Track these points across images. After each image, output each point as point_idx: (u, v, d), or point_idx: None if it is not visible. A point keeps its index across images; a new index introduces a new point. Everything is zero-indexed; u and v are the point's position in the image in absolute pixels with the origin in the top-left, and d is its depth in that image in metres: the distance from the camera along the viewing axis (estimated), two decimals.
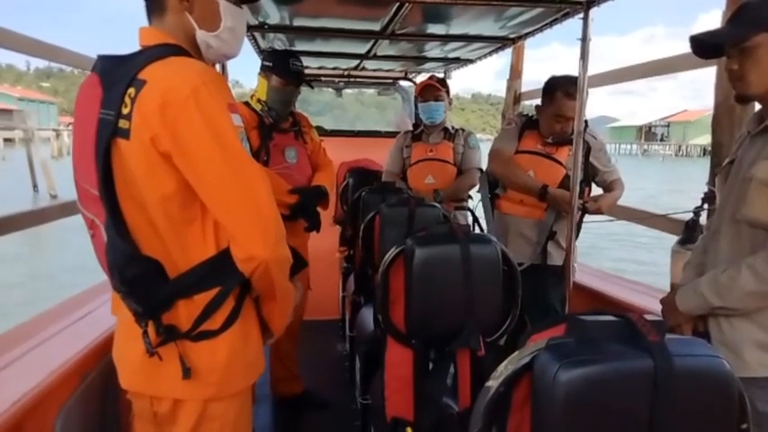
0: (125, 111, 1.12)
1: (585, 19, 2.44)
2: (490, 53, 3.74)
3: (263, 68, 2.68)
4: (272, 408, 3.11)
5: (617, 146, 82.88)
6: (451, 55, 3.87)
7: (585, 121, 2.77)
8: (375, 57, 3.94)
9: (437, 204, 2.37)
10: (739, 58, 1.53)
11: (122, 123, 1.12)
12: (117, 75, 1.15)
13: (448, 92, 3.43)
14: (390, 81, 5.09)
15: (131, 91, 1.12)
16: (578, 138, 2.53)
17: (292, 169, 2.73)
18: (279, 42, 3.66)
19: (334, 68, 4.60)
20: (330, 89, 5.90)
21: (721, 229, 1.66)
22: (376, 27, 3.05)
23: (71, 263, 9.06)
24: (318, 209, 2.79)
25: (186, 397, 1.23)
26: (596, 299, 2.83)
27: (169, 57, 1.17)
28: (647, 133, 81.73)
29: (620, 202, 3.13)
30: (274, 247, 1.18)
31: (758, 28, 1.49)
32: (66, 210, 2.29)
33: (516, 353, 0.81)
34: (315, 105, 7.28)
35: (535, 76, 3.84)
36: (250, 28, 3.10)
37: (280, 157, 2.70)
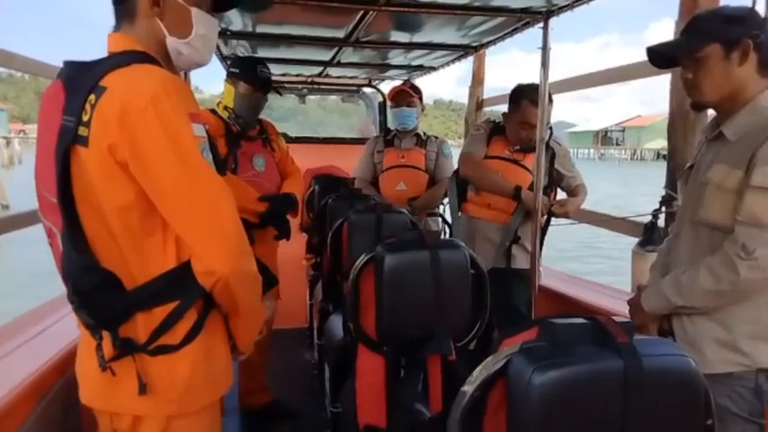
0: (85, 118, 1.09)
1: (545, 28, 2.50)
2: (452, 61, 3.78)
3: (230, 75, 2.65)
4: (241, 420, 3.06)
5: (575, 150, 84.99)
6: (414, 62, 3.91)
7: (551, 128, 2.84)
8: (339, 64, 3.94)
9: (404, 211, 2.38)
10: (693, 68, 1.60)
11: (82, 131, 1.09)
12: (80, 81, 1.12)
13: (421, 98, 3.45)
14: (354, 88, 5.10)
15: (92, 98, 1.09)
16: (541, 144, 2.59)
17: (261, 177, 2.70)
18: (242, 49, 3.63)
19: (298, 75, 4.59)
20: (293, 95, 5.89)
21: (682, 231, 1.72)
22: (340, 34, 3.05)
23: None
24: (288, 216, 2.77)
25: (146, 413, 1.20)
26: (562, 302, 2.89)
27: (132, 64, 1.14)
28: (604, 138, 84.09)
29: (582, 206, 3.21)
30: (236, 261, 1.15)
31: (709, 39, 1.56)
32: (17, 222, 2.21)
33: (490, 357, 0.82)
34: (277, 111, 7.22)
35: (496, 82, 3.92)
36: None
37: (248, 164, 2.67)
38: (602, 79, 3.32)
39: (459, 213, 2.97)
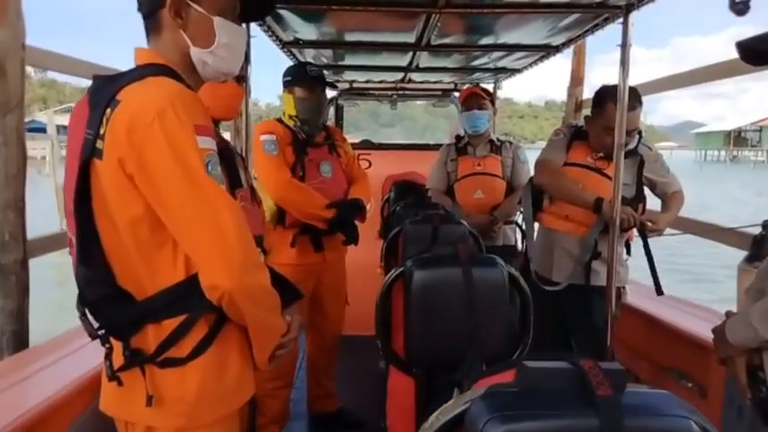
0: (102, 131, 1.13)
1: (625, 24, 2.29)
2: (535, 62, 3.60)
3: (285, 85, 2.71)
4: (307, 425, 3.08)
5: (702, 152, 78.37)
6: (495, 65, 3.76)
7: (640, 132, 2.58)
8: (419, 69, 3.89)
9: (463, 222, 2.27)
10: None
11: (99, 144, 1.13)
12: (102, 95, 1.16)
13: (493, 101, 3.32)
14: (439, 93, 5.01)
15: (108, 111, 1.13)
16: (619, 150, 2.36)
17: (328, 183, 2.72)
18: (323, 58, 3.69)
19: (381, 81, 4.59)
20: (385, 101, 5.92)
21: None
22: (411, 39, 3.00)
23: None
24: (356, 222, 2.77)
25: (156, 425, 1.21)
26: (647, 322, 2.63)
27: (147, 77, 1.16)
28: (737, 138, 76.60)
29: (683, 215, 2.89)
30: (239, 276, 1.13)
31: None
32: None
33: (451, 401, 0.73)
34: (384, 117, 7.34)
35: (610, 81, 3.60)
36: (286, 44, 3.13)
37: (315, 171, 2.70)
38: (702, 77, 3.00)
39: (536, 224, 2.80)
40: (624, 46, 2.29)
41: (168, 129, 1.09)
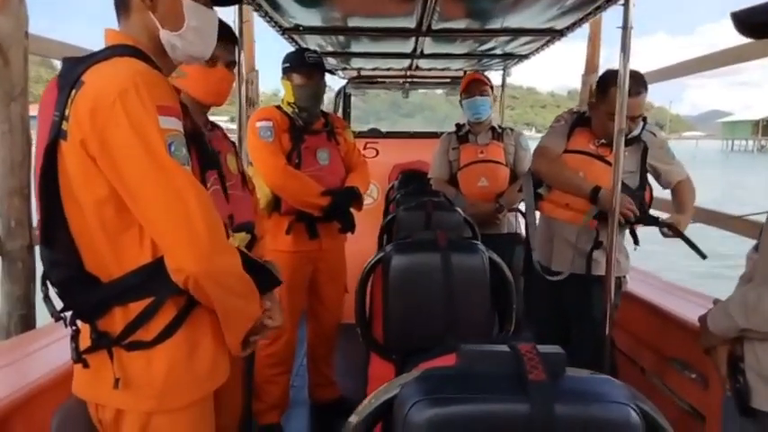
0: (67, 112, 1.12)
1: (626, 5, 2.21)
2: (542, 47, 3.53)
3: (284, 71, 2.68)
4: (308, 412, 3.09)
5: (729, 142, 76.73)
6: (501, 51, 3.70)
7: (644, 118, 2.51)
8: (424, 55, 3.84)
9: (458, 209, 2.24)
10: None
11: (64, 125, 1.12)
12: (69, 76, 1.16)
13: (493, 88, 3.27)
14: (449, 81, 4.96)
15: (73, 93, 1.12)
16: (620, 136, 2.29)
17: (325, 171, 2.70)
18: (327, 45, 3.66)
19: (389, 69, 4.55)
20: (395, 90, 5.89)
21: (764, 239, 1.44)
22: (411, 24, 2.96)
23: None
24: (353, 210, 2.75)
25: (125, 407, 1.21)
26: (650, 311, 2.58)
27: (113, 58, 1.15)
28: (765, 128, 74.75)
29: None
30: (206, 259, 1.12)
31: None
32: None
33: (386, 384, 0.71)
34: (405, 107, 7.35)
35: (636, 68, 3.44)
36: (286, 30, 3.11)
37: (312, 158, 2.69)
38: (712, 63, 2.91)
39: (537, 212, 2.75)
40: (625, 28, 2.22)
41: (129, 109, 1.08)
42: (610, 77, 2.46)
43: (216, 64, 1.79)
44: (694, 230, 2.52)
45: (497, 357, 0.68)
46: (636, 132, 2.45)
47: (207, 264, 1.13)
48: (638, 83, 2.33)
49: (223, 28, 1.88)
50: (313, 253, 2.73)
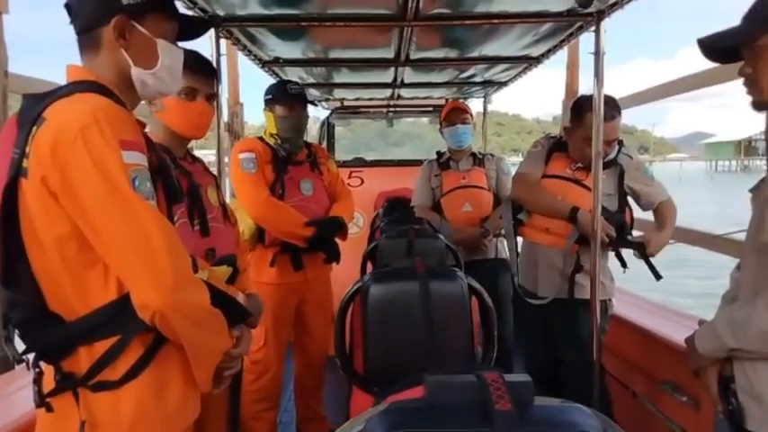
0: (27, 149, 1.10)
1: (597, 31, 2.26)
2: (519, 74, 3.59)
3: (266, 103, 2.69)
4: None
5: (713, 163, 77.90)
6: (481, 78, 3.75)
7: (620, 141, 2.54)
8: (405, 85, 3.89)
9: (440, 236, 2.23)
10: (753, 61, 1.34)
11: (24, 162, 1.10)
12: (30, 114, 1.14)
13: (473, 116, 3.31)
14: (431, 109, 5.01)
15: (34, 129, 1.10)
16: (597, 159, 2.32)
17: (308, 201, 2.69)
18: (309, 77, 3.69)
19: (371, 99, 4.59)
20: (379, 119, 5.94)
21: (745, 256, 1.45)
22: (390, 54, 3.00)
23: None
24: (338, 240, 2.74)
25: None
26: (638, 334, 2.56)
27: (75, 94, 1.14)
28: (748, 148, 75.99)
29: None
30: (170, 294, 1.09)
31: None
32: None
33: (351, 420, 0.69)
34: (392, 137, 7.42)
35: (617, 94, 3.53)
36: (266, 63, 3.14)
37: (295, 189, 2.67)
38: (679, 88, 2.97)
39: (519, 238, 2.75)
40: (597, 53, 2.26)
41: (91, 144, 1.07)
42: (584, 102, 2.49)
43: (195, 97, 1.80)
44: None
45: (463, 387, 0.66)
46: (612, 156, 2.47)
47: (172, 298, 1.11)
48: (612, 107, 2.37)
49: (202, 61, 1.89)
50: (298, 284, 2.70)
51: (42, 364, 1.18)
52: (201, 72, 1.84)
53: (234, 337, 1.35)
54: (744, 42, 1.36)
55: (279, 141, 2.69)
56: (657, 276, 2.48)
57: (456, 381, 0.67)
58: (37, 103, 1.15)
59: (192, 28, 1.45)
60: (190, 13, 2.14)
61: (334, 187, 2.87)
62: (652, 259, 2.47)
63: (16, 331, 1.16)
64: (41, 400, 1.15)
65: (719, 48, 1.44)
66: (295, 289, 2.70)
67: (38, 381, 1.16)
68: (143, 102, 1.67)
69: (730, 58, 1.48)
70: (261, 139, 2.74)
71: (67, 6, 1.26)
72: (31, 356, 1.18)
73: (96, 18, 1.22)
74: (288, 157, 2.70)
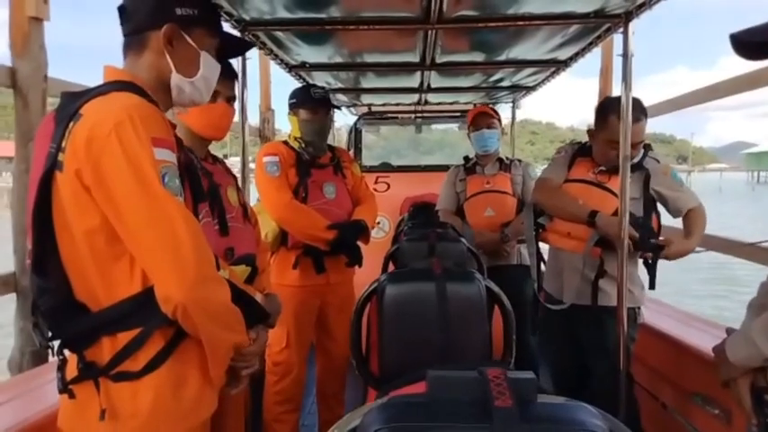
0: (63, 144, 1.15)
1: (625, 33, 2.21)
2: (547, 78, 3.54)
3: (291, 107, 2.72)
4: None
5: (755, 173, 75.53)
6: (508, 83, 3.71)
7: (647, 145, 2.48)
8: (431, 89, 3.88)
9: (462, 240, 2.20)
10: None
11: (60, 156, 1.15)
12: (67, 110, 1.19)
13: (500, 120, 3.28)
14: (459, 115, 4.98)
15: (71, 125, 1.15)
16: (625, 163, 2.26)
17: (331, 204, 2.70)
18: (336, 81, 3.72)
19: (398, 104, 4.59)
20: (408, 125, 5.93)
21: None
22: (415, 59, 2.99)
23: None
24: (362, 243, 2.74)
25: None
26: (669, 344, 2.48)
27: (111, 92, 1.19)
28: None
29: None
30: (193, 288, 1.12)
31: None
32: None
33: (350, 413, 0.68)
34: (424, 145, 7.44)
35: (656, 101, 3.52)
36: (293, 68, 3.17)
37: (318, 192, 2.69)
38: (716, 94, 2.89)
39: (541, 243, 2.70)
40: (626, 56, 2.21)
41: (124, 140, 1.11)
42: (608, 104, 2.46)
43: (216, 99, 1.83)
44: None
45: (464, 383, 0.64)
46: (637, 159, 2.41)
47: (194, 292, 1.13)
48: (638, 110, 2.31)
49: (223, 64, 1.93)
50: (320, 287, 2.70)
51: (66, 353, 1.21)
52: (222, 74, 1.88)
53: (250, 337, 1.37)
54: None
55: (302, 145, 2.71)
56: (653, 285, 2.46)
57: (457, 376, 0.66)
58: (75, 100, 1.20)
59: (232, 48, 1.56)
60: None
61: (358, 191, 2.87)
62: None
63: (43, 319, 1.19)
64: (64, 387, 1.18)
65: (755, 43, 1.38)
66: (317, 292, 2.71)
67: (62, 368, 1.20)
68: None
69: (764, 56, 1.42)
70: (285, 142, 2.77)
71: (121, 8, 1.32)
72: (56, 344, 1.21)
73: (148, 22, 1.30)
74: (311, 161, 2.71)
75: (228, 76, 1.90)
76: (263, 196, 2.63)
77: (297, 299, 2.61)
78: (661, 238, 2.45)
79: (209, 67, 1.37)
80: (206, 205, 1.45)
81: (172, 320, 1.17)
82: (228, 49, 1.54)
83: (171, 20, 1.29)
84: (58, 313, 1.18)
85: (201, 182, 1.37)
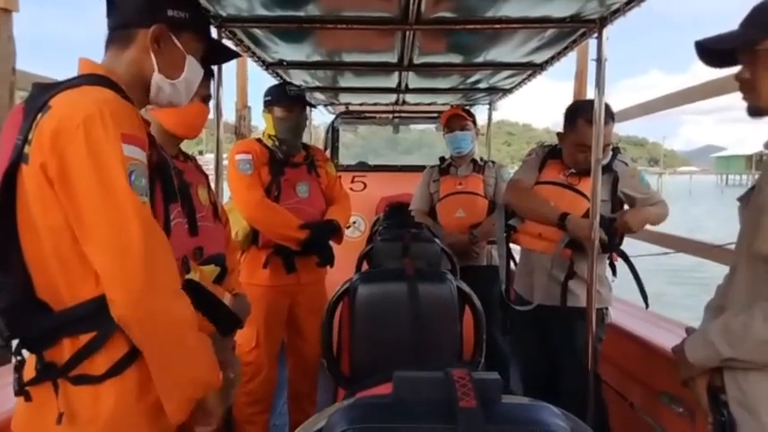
0: (30, 136, 1.11)
1: (599, 38, 2.25)
2: (524, 81, 3.58)
3: (265, 105, 2.70)
4: None
5: (724, 177, 77.35)
6: (485, 85, 3.74)
7: (616, 148, 2.53)
8: (409, 90, 3.89)
9: (436, 240, 2.22)
10: (751, 66, 1.34)
11: (26, 149, 1.11)
12: (37, 102, 1.15)
13: (474, 122, 3.31)
14: (436, 116, 5.01)
15: (39, 116, 1.11)
16: (597, 166, 2.30)
17: (304, 204, 2.68)
18: (314, 80, 3.70)
19: (375, 104, 4.60)
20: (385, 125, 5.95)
21: (738, 265, 1.43)
22: (393, 59, 3.00)
23: None
24: (336, 243, 2.73)
25: None
26: (636, 344, 2.53)
27: (84, 86, 1.16)
28: (759, 162, 75.42)
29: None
30: (137, 300, 1.06)
31: None
32: None
33: (316, 415, 0.68)
34: (403, 144, 7.42)
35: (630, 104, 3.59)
36: (270, 65, 3.15)
37: (291, 191, 2.67)
38: (686, 98, 2.95)
39: (513, 245, 2.74)
40: (599, 61, 2.25)
41: (92, 134, 1.07)
42: (576, 108, 2.52)
43: (192, 99, 1.81)
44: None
45: (430, 384, 0.65)
46: (605, 161, 2.46)
47: (139, 304, 1.06)
48: (606, 113, 2.36)
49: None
50: (291, 287, 2.69)
51: (25, 353, 1.17)
52: None
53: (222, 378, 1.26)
54: (742, 46, 1.35)
55: (276, 143, 2.69)
56: (614, 270, 2.55)
57: (423, 377, 0.66)
58: (45, 92, 1.16)
59: (216, 55, 1.54)
60: None
61: (332, 191, 2.86)
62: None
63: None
64: (20, 389, 1.14)
65: (717, 51, 1.43)
66: (287, 291, 2.69)
67: (19, 369, 1.16)
68: None
69: (727, 63, 1.47)
70: (259, 140, 2.74)
71: (110, 1, 1.30)
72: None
73: (137, 19, 1.28)
74: (285, 159, 2.69)
75: (205, 74, 1.89)
76: (234, 194, 2.61)
77: (266, 298, 2.59)
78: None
79: (192, 70, 1.36)
80: (178, 206, 1.41)
81: None
82: (213, 54, 1.52)
83: (161, 20, 1.28)
84: (17, 310, 1.13)
85: (174, 181, 1.34)
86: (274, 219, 2.55)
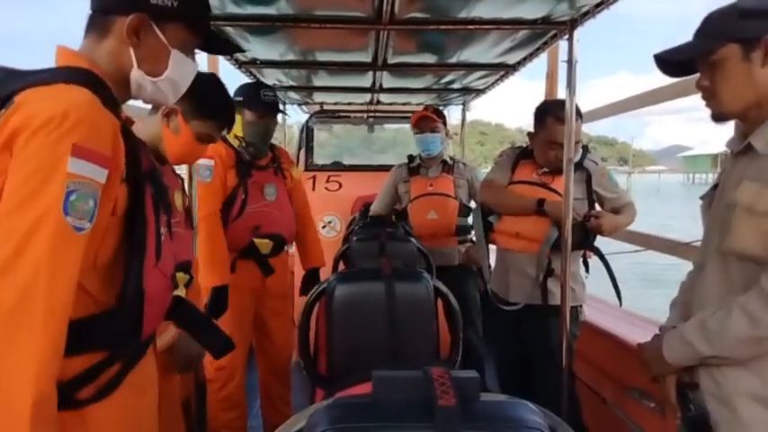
0: None
1: (570, 40, 2.28)
2: (496, 81, 3.62)
3: (236, 104, 2.64)
4: None
5: (690, 176, 79.26)
6: (458, 85, 3.77)
7: (585, 147, 2.58)
8: (383, 89, 3.90)
9: (412, 239, 2.23)
10: (709, 74, 1.39)
11: None
12: (2, 90, 1.03)
13: (445, 123, 3.31)
14: (410, 115, 5.02)
15: (2, 111, 1.00)
16: (569, 165, 2.34)
17: (272, 207, 2.64)
18: (288, 79, 3.67)
19: (350, 104, 4.59)
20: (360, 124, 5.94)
21: (707, 263, 1.46)
22: (367, 58, 3.00)
23: None
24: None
25: None
26: (608, 341, 2.58)
27: (59, 83, 1.03)
28: (724, 161, 77.37)
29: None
30: None
31: (723, 39, 1.34)
32: None
33: (295, 415, 0.68)
34: (378, 143, 7.42)
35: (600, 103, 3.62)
36: (243, 64, 3.12)
37: (258, 194, 2.61)
38: (653, 99, 3.02)
39: (490, 245, 2.76)
40: (570, 62, 2.28)
41: (37, 140, 0.95)
42: (545, 107, 2.55)
43: (203, 140, 1.84)
44: None
45: (409, 383, 0.65)
46: (576, 160, 2.50)
47: None
48: (575, 112, 2.40)
49: (230, 113, 1.98)
50: (257, 290, 2.66)
51: None
52: (225, 123, 1.94)
53: None
54: (699, 57, 1.39)
55: (243, 144, 2.62)
56: (587, 267, 2.59)
57: (402, 376, 0.67)
58: (12, 80, 1.04)
59: (217, 44, 1.38)
60: None
61: (296, 193, 2.85)
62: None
63: None
64: None
65: (676, 62, 1.47)
66: (254, 294, 2.67)
67: None
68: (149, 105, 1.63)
69: (687, 72, 1.52)
70: (225, 140, 2.62)
71: None
72: None
73: (114, 5, 1.13)
74: (252, 162, 2.63)
75: (218, 119, 1.90)
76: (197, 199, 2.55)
77: (233, 301, 2.51)
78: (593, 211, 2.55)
79: (179, 67, 1.19)
80: (165, 216, 1.31)
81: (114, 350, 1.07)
82: (212, 47, 1.38)
83: (143, 9, 1.12)
84: None
85: (168, 193, 1.26)
86: (208, 244, 2.45)
